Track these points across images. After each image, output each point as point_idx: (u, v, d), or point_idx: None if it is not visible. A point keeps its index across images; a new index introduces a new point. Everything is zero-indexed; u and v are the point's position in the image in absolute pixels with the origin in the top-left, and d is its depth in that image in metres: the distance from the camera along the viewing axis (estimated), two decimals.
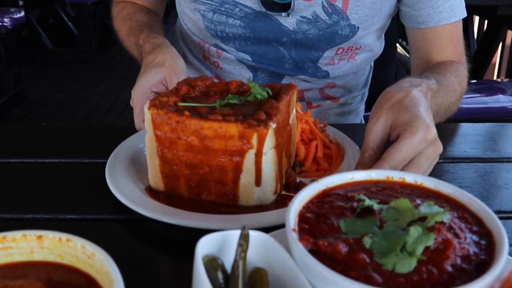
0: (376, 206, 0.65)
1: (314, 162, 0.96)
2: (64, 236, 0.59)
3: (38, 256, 0.59)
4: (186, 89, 0.90)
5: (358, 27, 1.25)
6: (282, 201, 0.87)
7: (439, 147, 0.84)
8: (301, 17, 1.23)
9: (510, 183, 0.99)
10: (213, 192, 0.84)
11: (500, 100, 2.59)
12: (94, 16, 5.77)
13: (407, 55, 4.20)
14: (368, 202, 0.65)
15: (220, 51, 1.34)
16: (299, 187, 0.90)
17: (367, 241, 0.59)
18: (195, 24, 1.32)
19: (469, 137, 1.21)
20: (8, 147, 1.14)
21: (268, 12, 1.22)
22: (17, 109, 4.48)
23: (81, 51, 5.69)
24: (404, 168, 0.81)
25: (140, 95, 1.05)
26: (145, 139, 0.86)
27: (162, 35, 1.31)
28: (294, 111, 0.92)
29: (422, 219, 0.62)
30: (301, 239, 0.59)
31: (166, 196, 0.87)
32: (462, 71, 1.24)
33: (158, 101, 0.84)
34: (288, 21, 1.23)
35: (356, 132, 1.12)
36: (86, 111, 4.53)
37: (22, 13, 4.61)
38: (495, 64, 4.04)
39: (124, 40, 1.38)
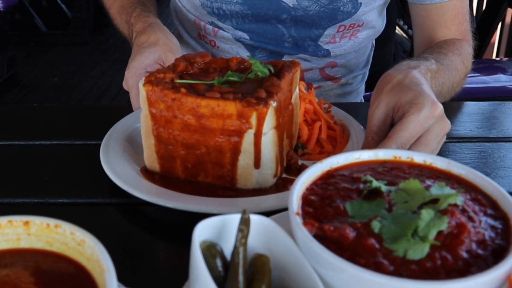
0: (384, 188, 0.61)
1: (317, 144, 0.92)
2: (52, 221, 0.55)
3: (25, 243, 0.55)
4: (184, 66, 0.86)
5: (360, 3, 1.20)
6: (282, 185, 0.83)
7: (447, 124, 0.80)
8: None
9: None
10: (210, 174, 0.80)
11: (501, 80, 2.56)
12: None
13: (405, 35, 4.15)
14: (375, 183, 0.61)
15: (216, 29, 1.29)
16: (301, 170, 0.85)
17: (375, 225, 0.55)
18: (190, 1, 1.27)
19: (474, 116, 1.17)
20: None
21: None
22: (11, 93, 4.42)
23: (75, 33, 5.59)
24: (412, 147, 0.77)
25: (135, 76, 1.00)
26: (140, 118, 0.82)
27: (155, 14, 1.25)
28: (297, 90, 0.87)
29: (434, 201, 0.58)
30: (305, 223, 0.55)
31: (161, 177, 0.83)
32: (466, 49, 1.20)
33: (154, 77, 0.80)
34: None
35: (358, 112, 1.08)
36: (81, 94, 4.47)
37: None
38: (494, 43, 3.98)
39: (115, 17, 1.33)
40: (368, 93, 2.13)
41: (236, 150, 0.77)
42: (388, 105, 0.81)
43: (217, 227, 0.55)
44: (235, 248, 0.52)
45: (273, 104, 0.75)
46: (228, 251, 0.54)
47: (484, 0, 3.43)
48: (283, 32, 1.26)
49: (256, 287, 0.52)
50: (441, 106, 0.79)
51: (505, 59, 3.54)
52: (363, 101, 1.58)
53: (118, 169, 0.83)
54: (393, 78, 0.85)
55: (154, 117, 0.79)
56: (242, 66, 0.89)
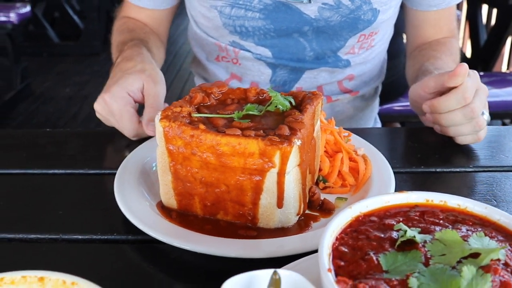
0: (418, 238, 0.57)
1: (339, 176, 0.88)
2: (68, 278, 0.51)
3: None
4: (200, 97, 0.82)
5: (379, 10, 1.21)
6: (304, 222, 0.79)
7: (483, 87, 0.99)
8: (322, 3, 1.17)
9: None
10: (230, 213, 0.77)
11: None
12: (99, 9, 5.68)
13: None
14: (409, 233, 0.58)
15: (237, 49, 1.27)
16: (323, 205, 0.82)
17: (413, 283, 0.51)
18: (212, 22, 1.24)
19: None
20: (9, 156, 1.07)
21: (289, 0, 1.15)
22: (24, 103, 4.42)
23: (86, 44, 5.60)
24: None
25: (120, 99, 1.00)
26: (157, 154, 0.79)
27: (157, 54, 1.26)
28: (319, 122, 0.84)
29: (474, 255, 0.54)
30: (338, 281, 0.51)
31: (179, 214, 0.79)
32: (455, 46, 1.33)
33: (170, 111, 0.77)
34: (310, 9, 1.18)
35: (373, 138, 1.06)
36: (92, 105, 4.46)
37: (28, 8, 4.55)
38: (503, 55, 3.92)
39: (113, 53, 1.30)
40: (382, 106, 2.10)
41: (258, 189, 0.73)
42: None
43: (244, 284, 0.51)
44: None
45: (297, 142, 0.71)
46: None
47: (494, 12, 3.37)
48: (304, 45, 1.24)
49: None
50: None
51: None
52: (377, 118, 1.59)
53: (134, 206, 0.79)
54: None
55: (172, 153, 0.76)
56: (260, 97, 0.86)
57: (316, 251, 0.66)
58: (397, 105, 2.35)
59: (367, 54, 1.32)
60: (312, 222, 0.79)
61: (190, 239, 0.72)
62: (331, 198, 0.85)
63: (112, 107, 1.00)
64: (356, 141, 0.98)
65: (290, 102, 0.81)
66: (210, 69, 1.38)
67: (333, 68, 1.30)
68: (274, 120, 0.78)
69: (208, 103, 0.83)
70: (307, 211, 0.81)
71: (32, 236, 0.82)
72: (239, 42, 1.25)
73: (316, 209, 0.82)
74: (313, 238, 0.73)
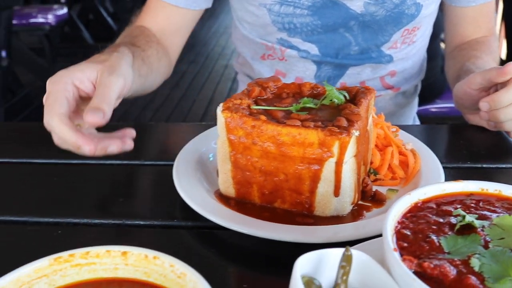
0: (476, 223, 0.60)
1: (389, 169, 0.91)
2: (150, 253, 0.55)
3: (123, 273, 0.56)
4: (258, 91, 0.86)
5: (422, 5, 1.25)
6: (358, 212, 0.82)
7: None
8: None
9: None
10: (287, 201, 0.81)
11: None
12: (132, 11, 5.76)
13: None
14: (468, 218, 0.60)
15: (284, 48, 1.31)
16: (375, 196, 0.85)
17: (475, 263, 0.54)
18: (260, 20, 1.29)
19: None
20: None
21: None
22: None
23: None
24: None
25: (56, 84, 0.85)
26: (217, 143, 0.83)
27: (152, 63, 1.16)
28: (371, 116, 0.87)
29: None
30: (403, 259, 0.54)
31: (237, 202, 0.83)
32: (494, 45, 1.34)
33: (231, 103, 0.81)
34: (356, 4, 1.22)
35: (417, 134, 1.07)
36: (126, 105, 4.55)
37: (65, 10, 4.67)
38: None
39: None
40: (421, 107, 2.11)
41: (315, 178, 0.77)
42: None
43: (314, 261, 0.55)
44: (337, 285, 0.52)
45: (355, 133, 0.74)
46: (326, 286, 0.54)
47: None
48: (350, 40, 1.28)
49: None
50: None
51: None
52: (416, 118, 1.61)
53: (193, 193, 0.83)
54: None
55: (232, 143, 0.80)
56: (315, 92, 0.89)
57: (369, 238, 0.70)
58: (433, 107, 2.37)
59: (409, 50, 1.35)
60: (365, 211, 0.82)
61: (251, 224, 0.76)
62: (381, 190, 0.87)
63: (47, 89, 0.85)
64: (403, 136, 1.00)
65: (345, 96, 0.85)
66: (255, 67, 1.42)
67: (377, 64, 1.33)
68: (330, 113, 0.81)
69: (265, 97, 0.87)
70: (359, 202, 0.84)
71: (96, 221, 0.86)
72: (287, 39, 1.29)
73: (368, 199, 0.85)
74: (367, 226, 0.76)
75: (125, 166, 1.03)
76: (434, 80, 2.29)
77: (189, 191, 0.84)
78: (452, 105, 1.55)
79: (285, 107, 0.83)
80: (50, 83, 0.85)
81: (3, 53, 4.06)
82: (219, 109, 0.80)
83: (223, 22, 6.58)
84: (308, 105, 0.82)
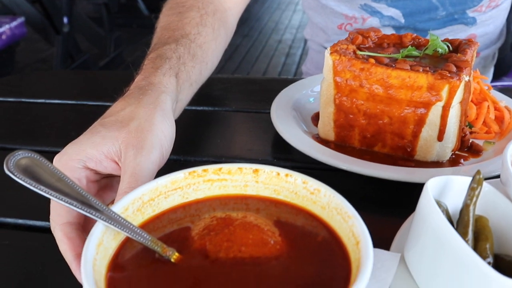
0: None
1: (483, 124, 0.92)
2: (282, 171, 0.57)
3: (252, 190, 0.58)
4: (360, 39, 0.88)
5: None
6: (456, 160, 0.84)
7: None
8: None
9: None
10: (388, 145, 0.83)
11: None
12: None
13: None
14: None
15: (366, 16, 1.31)
16: (471, 147, 0.86)
17: None
18: None
19: None
20: None
21: None
22: (118, 70, 4.64)
23: None
24: None
25: (63, 169, 0.57)
26: (321, 86, 0.85)
27: (205, 53, 0.90)
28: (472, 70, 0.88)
29: None
30: None
31: (336, 146, 0.86)
32: None
33: (338, 47, 0.83)
34: None
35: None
36: None
37: None
38: None
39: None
40: (496, 82, 2.08)
41: (420, 122, 0.78)
42: None
43: (442, 186, 0.57)
44: (466, 206, 0.54)
45: (466, 78, 0.76)
46: (451, 210, 0.56)
47: None
48: (437, 5, 1.27)
49: (482, 246, 0.53)
50: None
51: None
52: None
53: (293, 134, 0.86)
54: None
55: (339, 86, 0.82)
56: (415, 42, 0.90)
57: None
58: (499, 84, 2.33)
59: (492, 13, 1.34)
60: (462, 160, 0.83)
61: (357, 163, 0.78)
62: (478, 143, 0.88)
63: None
64: (496, 94, 1.01)
65: (448, 47, 0.86)
66: (330, 37, 1.43)
67: (459, 25, 1.32)
68: (434, 62, 0.83)
69: (367, 45, 0.89)
70: (457, 152, 0.86)
71: (192, 159, 0.90)
72: (371, 4, 1.29)
73: (464, 150, 0.86)
74: (466, 171, 0.77)
75: (217, 112, 1.08)
76: (503, 57, 2.25)
77: (289, 132, 0.86)
78: None
79: (389, 54, 0.85)
80: (56, 162, 0.61)
81: (65, 20, 4.18)
82: (327, 52, 0.82)
83: None
84: (414, 53, 0.83)
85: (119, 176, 0.61)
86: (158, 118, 0.66)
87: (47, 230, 0.71)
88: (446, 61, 0.81)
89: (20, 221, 0.75)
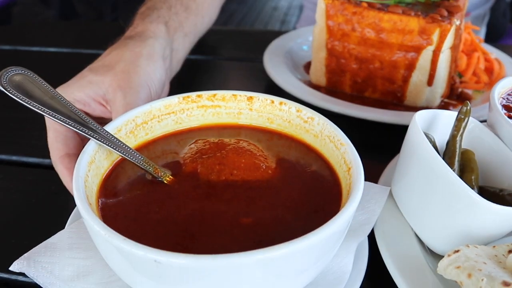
0: None
1: (473, 74, 0.93)
2: (276, 99, 0.57)
3: (245, 118, 0.58)
4: None
5: None
6: (445, 107, 0.85)
7: None
8: None
9: None
10: (378, 90, 0.84)
11: None
12: None
13: None
14: None
15: None
16: (461, 95, 0.88)
17: None
18: None
19: None
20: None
21: None
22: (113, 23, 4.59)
23: None
24: None
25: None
26: (313, 32, 0.86)
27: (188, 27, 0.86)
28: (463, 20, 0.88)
29: None
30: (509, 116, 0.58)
31: (328, 91, 0.87)
32: None
33: None
34: None
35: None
36: None
37: None
38: None
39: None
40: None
41: (411, 66, 0.79)
42: None
43: (429, 119, 0.58)
44: (453, 137, 0.55)
45: (457, 22, 0.76)
46: (438, 141, 0.58)
47: None
48: None
49: (467, 177, 0.54)
50: None
51: None
52: None
53: (285, 79, 0.87)
54: None
55: (331, 30, 0.82)
56: None
57: None
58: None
59: None
60: (451, 107, 0.85)
61: (346, 106, 0.79)
62: (468, 92, 0.90)
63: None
64: (486, 47, 1.01)
65: None
66: None
67: None
68: (426, 8, 0.83)
69: None
70: (446, 100, 0.87)
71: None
72: None
73: (454, 98, 0.87)
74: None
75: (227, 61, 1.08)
76: (495, 23, 2.26)
77: (282, 78, 0.87)
78: None
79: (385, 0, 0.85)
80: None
81: None
82: None
83: None
84: (406, 0, 0.84)
85: (111, 119, 0.62)
86: (144, 60, 0.67)
87: (40, 166, 0.73)
88: (438, 7, 0.81)
89: (14, 157, 0.76)
